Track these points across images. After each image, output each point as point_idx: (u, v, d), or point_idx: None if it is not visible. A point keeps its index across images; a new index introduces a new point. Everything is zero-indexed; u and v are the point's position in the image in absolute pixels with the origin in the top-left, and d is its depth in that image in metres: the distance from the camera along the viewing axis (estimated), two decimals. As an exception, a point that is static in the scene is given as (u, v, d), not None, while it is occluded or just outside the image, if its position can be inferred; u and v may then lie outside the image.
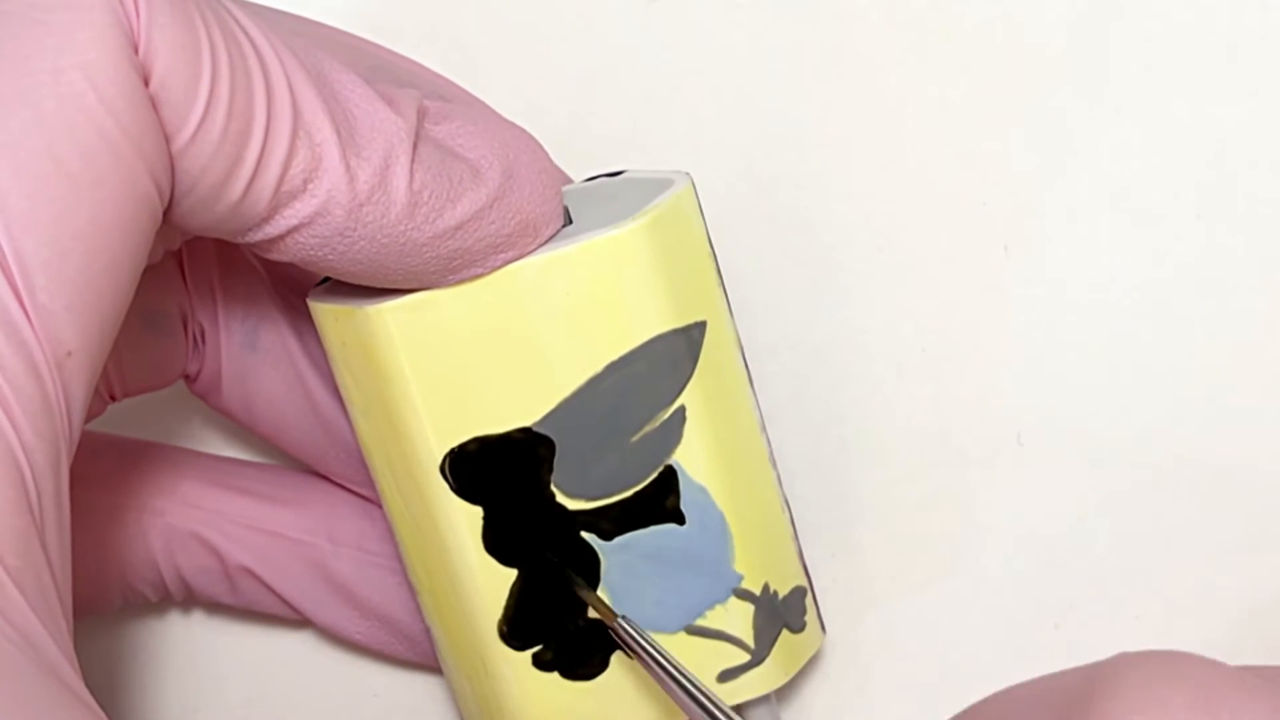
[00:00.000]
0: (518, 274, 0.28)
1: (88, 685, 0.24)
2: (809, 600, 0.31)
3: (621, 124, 0.34)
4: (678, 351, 0.29)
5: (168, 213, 0.25)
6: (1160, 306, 0.34)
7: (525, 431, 0.29)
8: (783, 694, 0.34)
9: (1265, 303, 0.34)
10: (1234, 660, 0.25)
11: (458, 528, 0.29)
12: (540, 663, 0.30)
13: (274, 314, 0.31)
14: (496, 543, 0.29)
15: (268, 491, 0.33)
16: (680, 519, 0.30)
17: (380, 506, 0.31)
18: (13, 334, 0.23)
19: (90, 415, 0.29)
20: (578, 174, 0.32)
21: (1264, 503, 0.34)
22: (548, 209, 0.28)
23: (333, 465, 0.32)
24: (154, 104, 0.24)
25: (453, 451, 0.29)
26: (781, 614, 0.31)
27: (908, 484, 0.34)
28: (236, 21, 0.25)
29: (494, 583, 0.30)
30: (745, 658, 0.30)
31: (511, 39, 0.34)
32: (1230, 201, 0.34)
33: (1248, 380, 0.34)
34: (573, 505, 0.29)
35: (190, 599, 0.33)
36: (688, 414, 0.29)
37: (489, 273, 0.28)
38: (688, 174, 0.30)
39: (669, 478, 0.29)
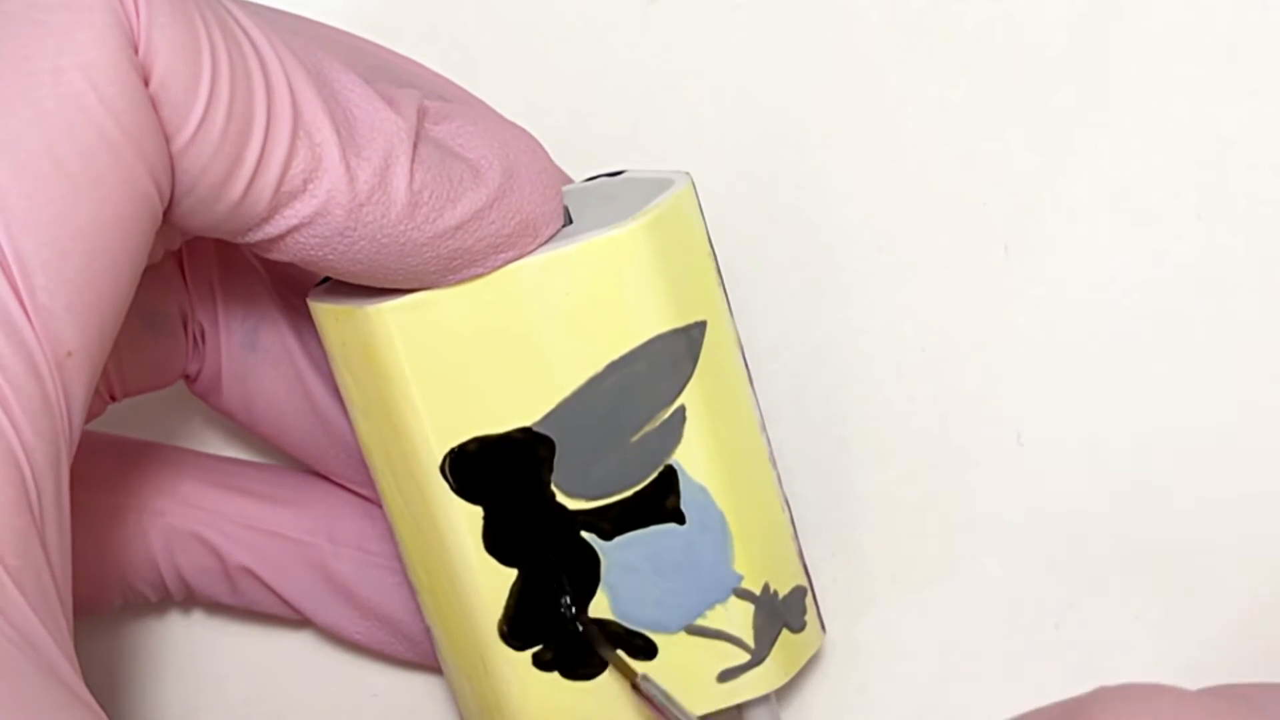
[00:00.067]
0: (518, 274, 0.28)
1: (88, 685, 0.24)
2: (809, 600, 0.31)
3: (621, 124, 0.34)
4: (678, 351, 0.29)
5: (168, 213, 0.25)
6: (1160, 306, 0.34)
7: (525, 431, 0.29)
8: (783, 694, 0.34)
9: (1265, 303, 0.34)
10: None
11: (458, 528, 0.29)
12: (540, 663, 0.30)
13: (274, 314, 0.31)
14: (496, 542, 0.29)
15: (268, 491, 0.33)
16: (680, 519, 0.30)
17: (380, 506, 0.31)
18: (13, 334, 0.23)
19: (90, 415, 0.29)
20: (578, 174, 0.32)
21: (1264, 503, 0.34)
22: (548, 209, 0.28)
23: (333, 465, 0.32)
24: (154, 104, 0.24)
25: (453, 451, 0.29)
26: (781, 614, 0.31)
27: (907, 484, 0.34)
28: (236, 21, 0.25)
29: (494, 583, 0.29)
30: (745, 657, 0.30)
31: (511, 39, 0.34)
32: (1230, 201, 0.34)
33: (1248, 380, 0.34)
34: (573, 505, 0.29)
35: (190, 599, 0.33)
36: (688, 414, 0.29)
37: (489, 272, 0.28)
38: (688, 174, 0.30)
39: (669, 477, 0.29)
